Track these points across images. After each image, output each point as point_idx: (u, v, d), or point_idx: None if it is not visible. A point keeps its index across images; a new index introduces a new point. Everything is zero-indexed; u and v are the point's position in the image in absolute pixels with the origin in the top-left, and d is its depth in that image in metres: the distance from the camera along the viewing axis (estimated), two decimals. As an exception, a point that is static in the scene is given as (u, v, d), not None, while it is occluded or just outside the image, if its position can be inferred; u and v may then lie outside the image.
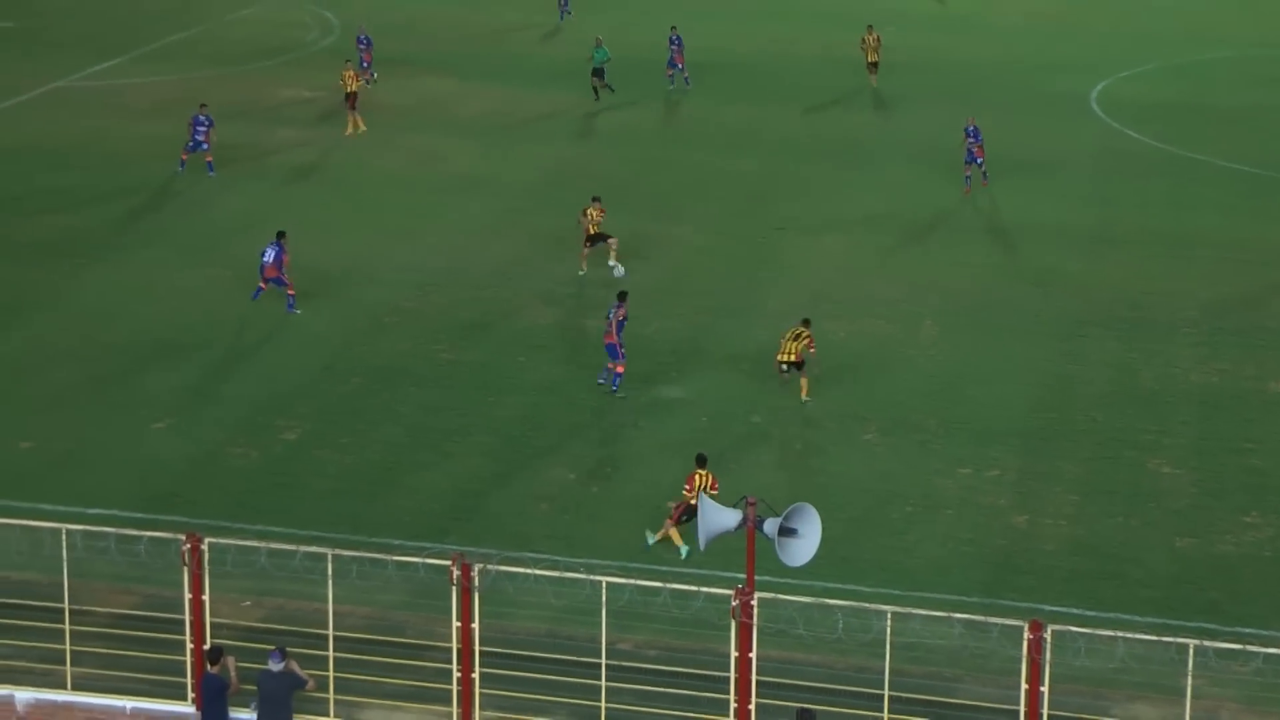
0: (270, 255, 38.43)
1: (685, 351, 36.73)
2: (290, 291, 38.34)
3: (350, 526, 28.66)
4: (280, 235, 38.78)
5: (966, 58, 63.04)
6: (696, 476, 28.43)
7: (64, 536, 22.27)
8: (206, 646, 21.81)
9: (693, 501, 28.00)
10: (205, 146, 47.35)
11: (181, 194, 45.07)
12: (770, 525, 19.48)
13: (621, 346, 34.35)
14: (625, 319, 34.63)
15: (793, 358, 34.12)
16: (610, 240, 41.16)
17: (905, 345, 37.40)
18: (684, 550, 28.24)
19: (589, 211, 41.17)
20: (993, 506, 30.34)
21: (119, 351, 36.16)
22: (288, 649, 21.82)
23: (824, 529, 19.58)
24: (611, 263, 41.05)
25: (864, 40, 58.26)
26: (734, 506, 19.89)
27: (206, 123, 47.51)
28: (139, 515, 28.76)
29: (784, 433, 33.16)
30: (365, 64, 55.40)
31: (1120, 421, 33.68)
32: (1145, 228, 45.22)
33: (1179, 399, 34.79)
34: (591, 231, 41.20)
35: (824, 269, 42.02)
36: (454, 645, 21.27)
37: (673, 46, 57.78)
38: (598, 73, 56.13)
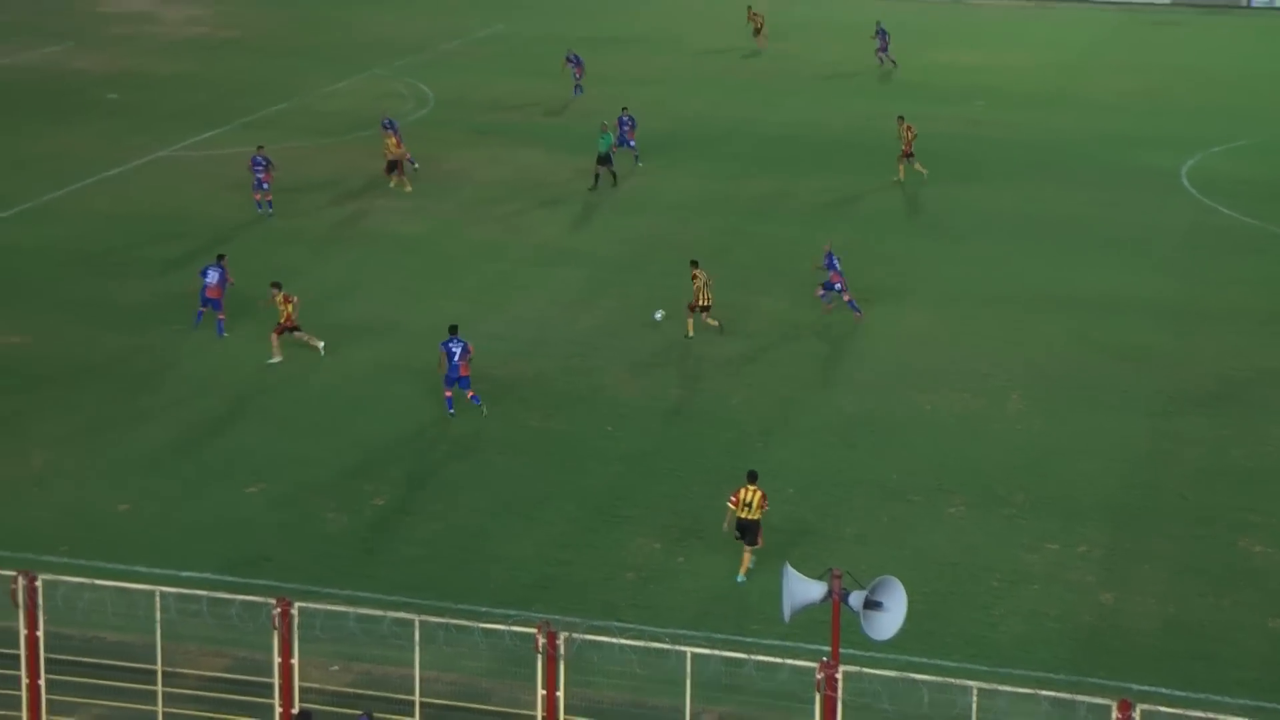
0: (214, 277, 40.68)
1: (770, 422, 36.80)
2: (221, 316, 40.72)
3: (438, 593, 28.88)
4: (220, 257, 41.47)
5: (1057, 133, 63.11)
6: (744, 491, 29.40)
7: (157, 599, 22.59)
8: (295, 710, 22.00)
9: (740, 515, 29.67)
10: (265, 186, 49.16)
11: (277, 261, 45.62)
12: (855, 598, 19.52)
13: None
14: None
15: None
16: (706, 315, 41.58)
17: (992, 418, 37.34)
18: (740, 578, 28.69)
19: (696, 275, 41.61)
20: (1080, 583, 30.18)
21: (214, 416, 36.65)
22: (375, 714, 21.99)
23: (909, 602, 19.60)
24: (659, 315, 42.11)
25: (900, 131, 57.11)
26: (819, 579, 19.96)
27: (264, 163, 49.44)
28: (231, 579, 29.14)
29: (869, 504, 33.14)
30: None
31: (1211, 499, 33.45)
32: (1236, 304, 45.00)
33: (1272, 478, 34.50)
34: (701, 302, 41.45)
35: (909, 341, 42.03)
36: (539, 713, 21.38)
37: (624, 127, 57.53)
38: (603, 160, 54.38)
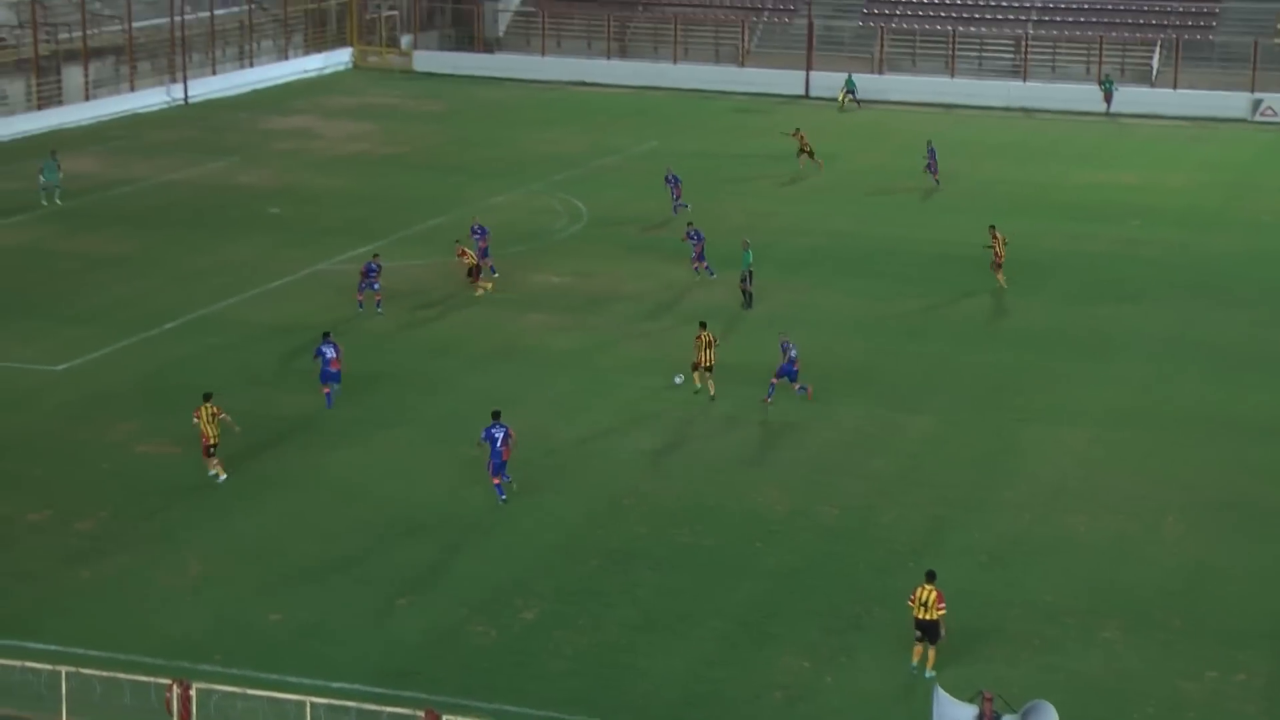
0: (332, 352, 43.76)
1: (920, 542, 36.53)
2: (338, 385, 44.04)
3: (585, 708, 28.88)
4: (327, 334, 44.69)
5: (1215, 252, 62.40)
6: (921, 590, 30.49)
7: (308, 709, 22.81)
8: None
9: (917, 615, 30.43)
10: (376, 286, 52.18)
11: (427, 374, 46.13)
12: (1007, 722, 19.31)
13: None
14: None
15: None
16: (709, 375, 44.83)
17: (1147, 541, 36.80)
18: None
19: (701, 336, 45.14)
20: (1240, 713, 29.56)
21: (365, 528, 37.02)
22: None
23: (1061, 728, 19.33)
24: (679, 379, 45.28)
25: (992, 242, 56.63)
26: (970, 701, 19.75)
27: (376, 269, 52.17)
28: (380, 690, 29.34)
29: (1021, 628, 32.72)
30: (483, 253, 56.41)
31: (1373, 627, 32.71)
32: (1401, 428, 44.13)
33: None
34: (704, 363, 44.84)
35: (1064, 462, 41.60)
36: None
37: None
38: (744, 277, 54.25)
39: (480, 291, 54.49)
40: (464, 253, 54.99)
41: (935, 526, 37.51)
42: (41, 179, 66.77)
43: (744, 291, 54.20)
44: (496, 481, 38.06)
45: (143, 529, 36.69)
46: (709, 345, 45.03)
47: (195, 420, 39.30)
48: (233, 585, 34.04)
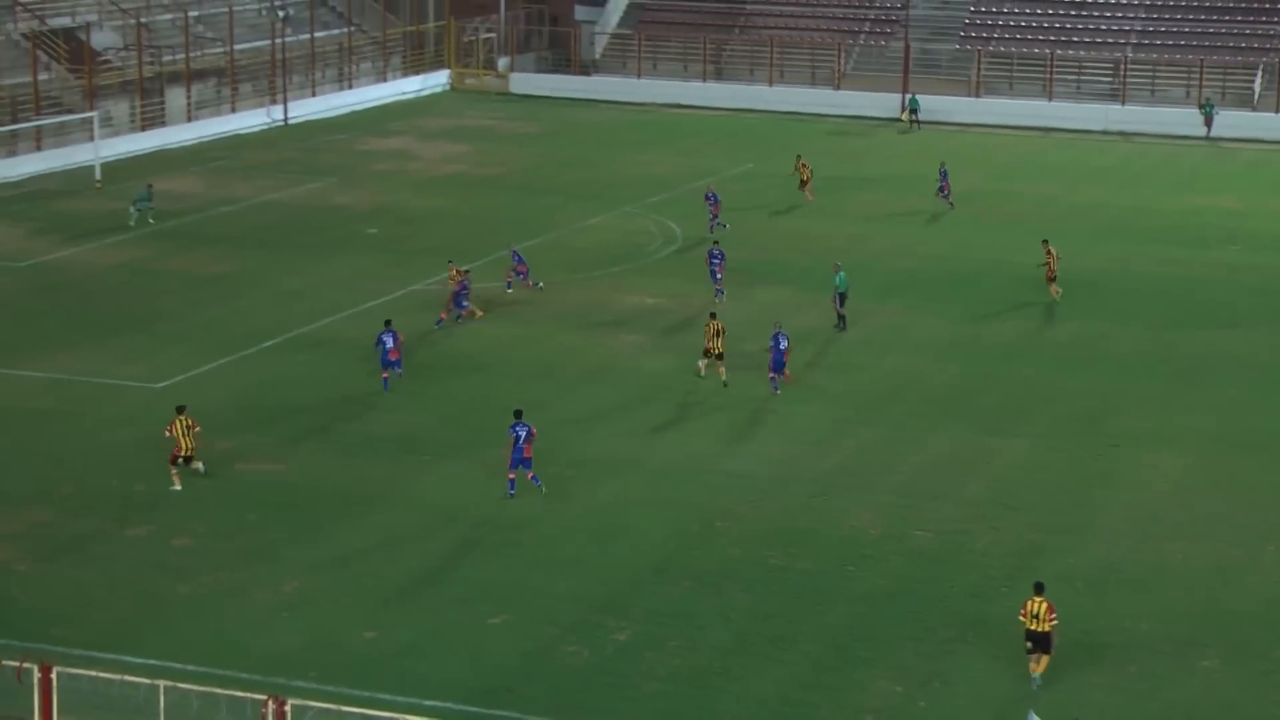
0: (391, 341, 46.50)
1: (1015, 568, 36.31)
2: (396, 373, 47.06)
3: (677, 729, 28.87)
4: (388, 322, 47.46)
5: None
6: (1031, 603, 30.98)
7: (401, 726, 22.93)
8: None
9: (1029, 626, 30.86)
10: (465, 305, 53.46)
11: (525, 395, 46.31)
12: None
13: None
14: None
15: None
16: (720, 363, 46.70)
17: (1247, 569, 36.43)
18: None
19: (710, 325, 47.79)
20: (1338, 742, 29.22)
21: (460, 546, 37.22)
22: None
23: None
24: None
25: (1046, 258, 57.41)
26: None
27: (467, 287, 53.76)
28: (473, 709, 29.50)
29: (1118, 655, 32.45)
30: (521, 274, 57.01)
31: None
32: None
33: None
34: (714, 349, 47.74)
35: (1160, 488, 41.27)
36: None
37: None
38: (840, 299, 54.02)
39: (479, 315, 54.52)
40: (457, 274, 54.74)
41: (1030, 552, 37.28)
42: (133, 209, 67.52)
43: (837, 314, 54.09)
44: (511, 476, 39.45)
45: (240, 545, 37.02)
46: (718, 334, 47.79)
47: (168, 434, 40.14)
48: (327, 603, 34.29)
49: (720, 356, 47.98)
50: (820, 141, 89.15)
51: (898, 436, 44.40)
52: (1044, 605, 30.89)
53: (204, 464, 40.66)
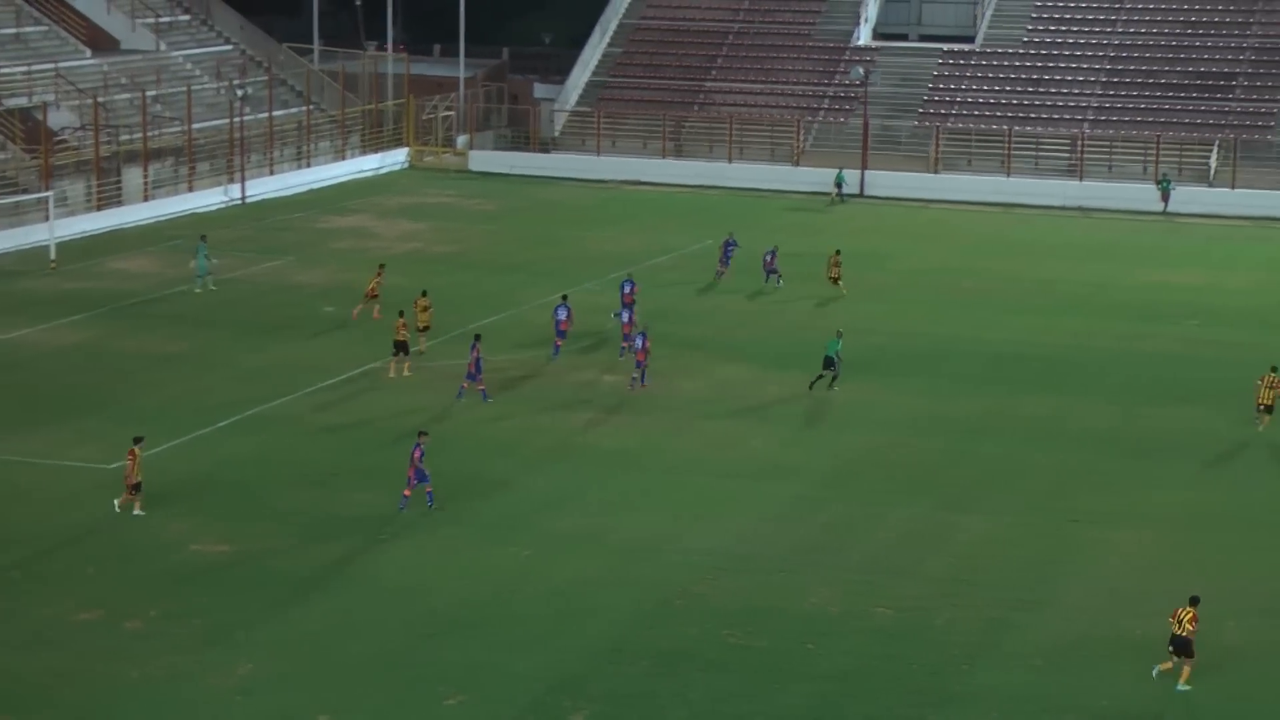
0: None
1: (975, 645, 36.08)
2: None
3: (634, 813, 28.46)
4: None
5: (1274, 352, 61.55)
6: (1181, 610, 34.18)
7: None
8: None
9: (1174, 630, 34.06)
10: (478, 376, 53.15)
11: (488, 474, 45.99)
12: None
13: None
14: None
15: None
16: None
17: (1206, 648, 36.12)
18: None
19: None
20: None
21: (415, 627, 36.82)
22: None
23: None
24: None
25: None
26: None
27: (473, 351, 53.24)
28: (427, 793, 29.04)
29: (1080, 733, 32.26)
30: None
31: None
32: None
33: None
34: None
35: (1121, 565, 41.14)
36: None
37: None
38: (829, 363, 54.91)
39: (405, 373, 56.03)
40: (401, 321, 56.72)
41: (991, 628, 37.06)
42: (194, 264, 69.60)
43: (832, 376, 54.89)
44: (406, 494, 43.23)
45: (193, 628, 36.55)
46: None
47: (128, 460, 42.43)
48: (282, 686, 33.83)
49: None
50: (780, 218, 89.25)
51: (859, 513, 44.20)
52: (1190, 613, 33.85)
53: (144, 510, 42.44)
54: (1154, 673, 34.20)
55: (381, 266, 65.65)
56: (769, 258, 71.32)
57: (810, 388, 54.82)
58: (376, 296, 63.00)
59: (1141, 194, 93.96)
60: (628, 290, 63.42)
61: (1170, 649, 34.05)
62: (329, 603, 38.10)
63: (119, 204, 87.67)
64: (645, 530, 42.86)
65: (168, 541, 41.34)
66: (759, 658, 35.45)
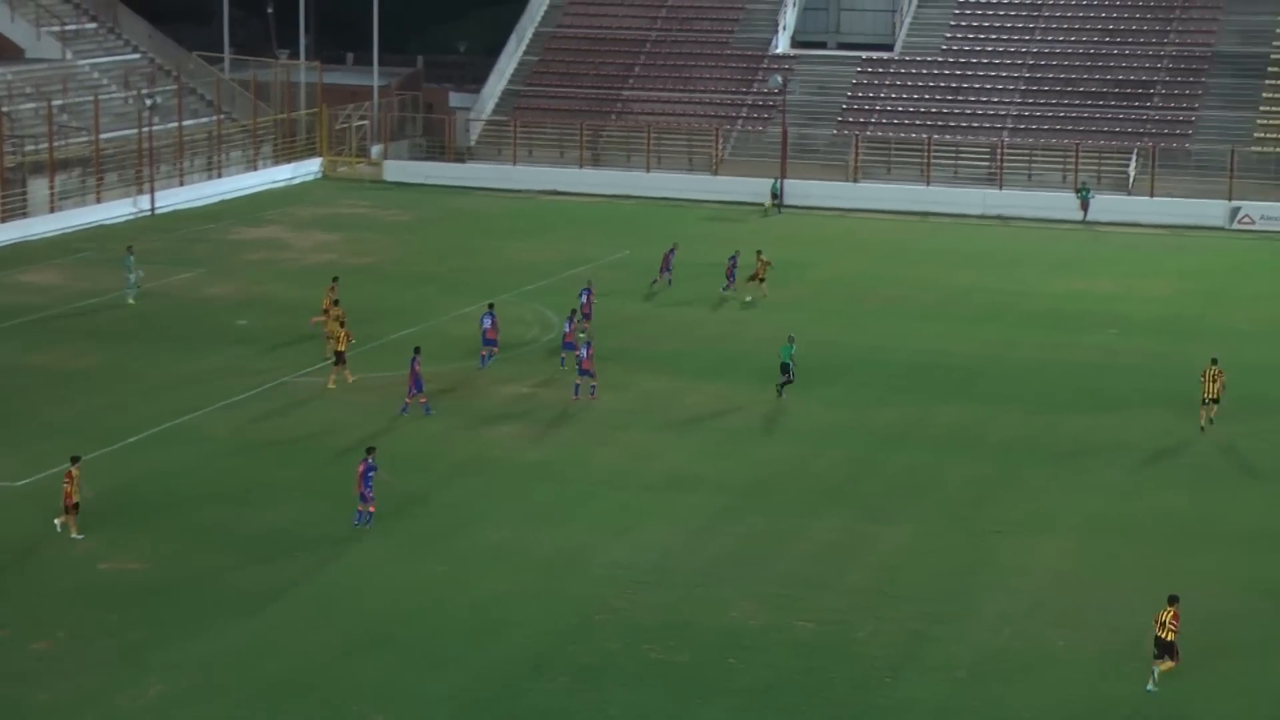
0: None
1: (897, 657, 35.80)
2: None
3: (555, 834, 27.98)
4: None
5: (1193, 361, 61.79)
6: (1162, 612, 34.27)
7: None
8: None
9: (1158, 634, 34.43)
10: (420, 389, 52.74)
11: (403, 489, 45.38)
12: None
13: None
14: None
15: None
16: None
17: (1129, 657, 36.00)
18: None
19: None
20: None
21: (332, 645, 36.18)
22: None
23: None
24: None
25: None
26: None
27: (413, 364, 52.78)
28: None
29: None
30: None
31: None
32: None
33: None
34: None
35: (1043, 574, 40.95)
36: None
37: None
38: (785, 368, 55.58)
39: (348, 381, 55.71)
40: (341, 332, 56.07)
41: (913, 640, 36.78)
42: (131, 276, 69.00)
43: (784, 384, 55.34)
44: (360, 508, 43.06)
45: (102, 649, 35.79)
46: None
47: (66, 483, 41.57)
48: (193, 707, 33.16)
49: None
50: (697, 227, 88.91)
51: (779, 525, 43.86)
52: (1170, 614, 34.17)
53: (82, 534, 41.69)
54: (1154, 674, 34.30)
55: (335, 279, 64.32)
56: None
57: (780, 395, 55.35)
58: (328, 311, 59.31)
59: (1060, 202, 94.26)
60: (584, 300, 63.17)
61: (1155, 653, 34.42)
62: (244, 621, 37.39)
63: (24, 215, 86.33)
64: (566, 544, 42.37)
65: (77, 559, 40.53)
66: (680, 672, 35.03)
